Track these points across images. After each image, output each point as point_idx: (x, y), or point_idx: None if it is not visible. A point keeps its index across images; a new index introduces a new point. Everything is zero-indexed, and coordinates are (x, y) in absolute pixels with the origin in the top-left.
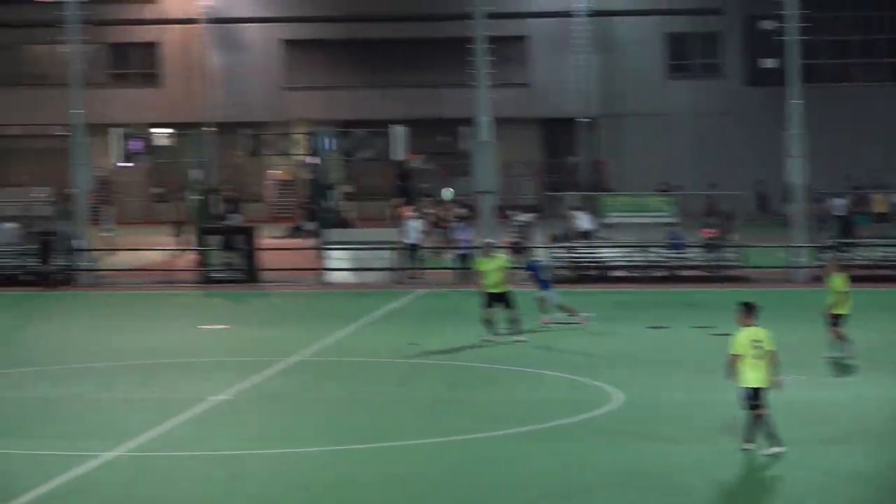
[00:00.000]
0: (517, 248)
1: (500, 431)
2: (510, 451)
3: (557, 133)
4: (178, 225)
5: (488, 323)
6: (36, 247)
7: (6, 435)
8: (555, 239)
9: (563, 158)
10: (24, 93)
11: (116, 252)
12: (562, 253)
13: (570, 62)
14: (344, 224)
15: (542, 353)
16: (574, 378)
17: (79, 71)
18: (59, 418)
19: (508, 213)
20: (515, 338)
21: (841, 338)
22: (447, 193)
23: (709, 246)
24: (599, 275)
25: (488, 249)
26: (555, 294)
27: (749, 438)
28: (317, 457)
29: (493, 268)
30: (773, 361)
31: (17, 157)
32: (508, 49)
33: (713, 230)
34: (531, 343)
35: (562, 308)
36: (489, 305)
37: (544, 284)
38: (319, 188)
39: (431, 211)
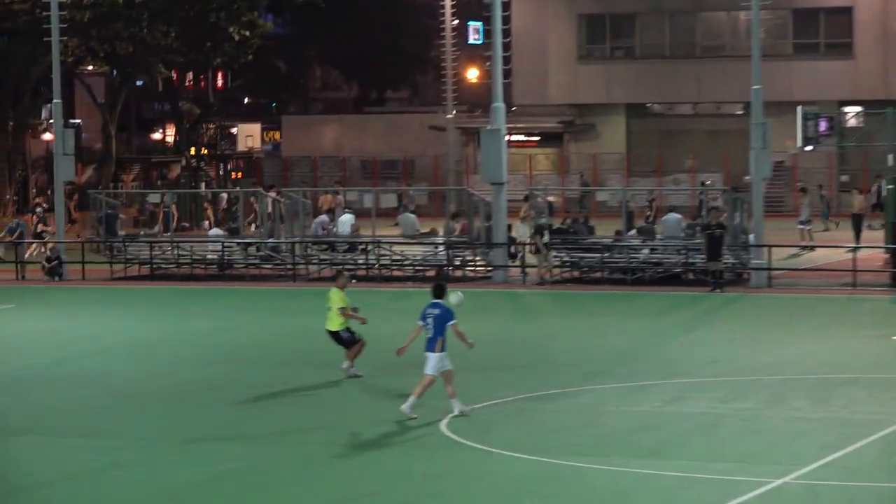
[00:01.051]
0: None
1: None
2: None
3: None
4: (867, 218)
5: None
6: (703, 241)
7: (659, 455)
8: None
9: None
10: (697, 66)
11: (804, 249)
12: None
13: None
14: None
15: None
16: None
17: (760, 41)
18: (718, 438)
19: None
20: None
21: None
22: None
23: None
24: None
25: None
26: None
27: None
28: None
29: None
30: None
31: (686, 139)
32: None
33: None
34: None
35: None
36: None
37: None
38: None
39: None
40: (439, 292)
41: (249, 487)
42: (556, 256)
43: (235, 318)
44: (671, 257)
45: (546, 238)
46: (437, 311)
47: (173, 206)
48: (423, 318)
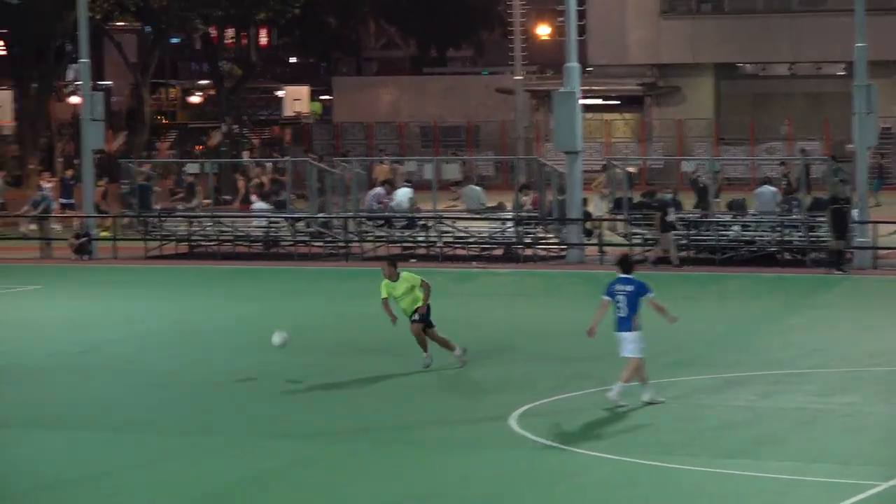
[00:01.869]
0: None
1: None
2: None
3: None
4: None
5: None
6: (800, 217)
7: (754, 454)
8: None
9: None
10: (794, 21)
11: None
12: None
13: None
14: None
15: None
16: None
17: None
18: (818, 436)
19: None
20: None
21: None
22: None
23: None
24: None
25: None
26: None
27: None
28: None
29: None
30: None
31: (781, 104)
32: None
33: None
34: None
35: None
36: None
37: None
38: None
39: None
40: (627, 266)
41: (296, 487)
42: (635, 234)
43: (283, 302)
44: (765, 235)
45: (671, 216)
46: (629, 288)
47: (192, 178)
48: (611, 294)
